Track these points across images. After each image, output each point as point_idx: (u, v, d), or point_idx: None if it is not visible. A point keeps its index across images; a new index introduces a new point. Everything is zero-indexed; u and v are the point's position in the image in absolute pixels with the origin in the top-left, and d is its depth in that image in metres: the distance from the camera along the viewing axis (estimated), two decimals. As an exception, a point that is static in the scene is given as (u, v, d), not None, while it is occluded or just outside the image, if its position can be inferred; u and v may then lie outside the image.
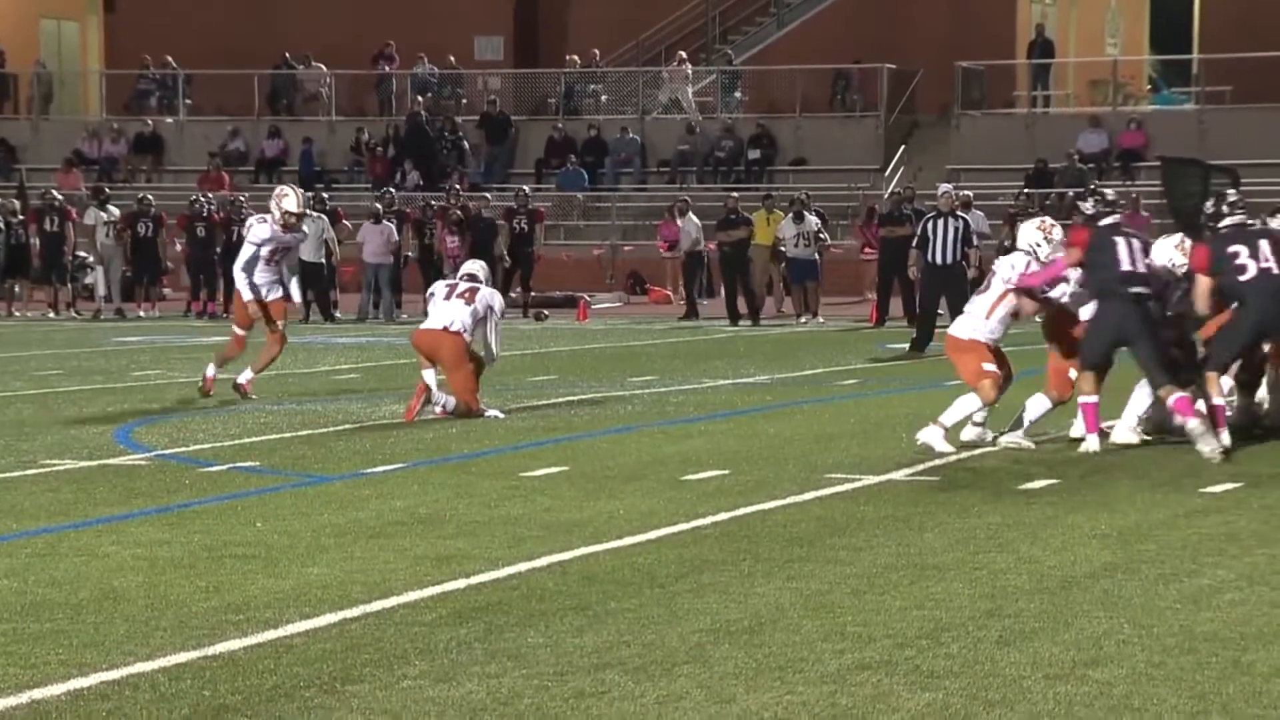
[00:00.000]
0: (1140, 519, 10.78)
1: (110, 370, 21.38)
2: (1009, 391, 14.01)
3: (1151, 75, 43.88)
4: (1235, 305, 13.77)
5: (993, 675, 7.25)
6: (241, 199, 35.38)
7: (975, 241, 26.89)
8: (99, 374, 20.81)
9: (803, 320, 31.51)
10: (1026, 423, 13.75)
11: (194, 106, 46.54)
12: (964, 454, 13.46)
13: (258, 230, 17.65)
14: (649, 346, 25.97)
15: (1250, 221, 14.23)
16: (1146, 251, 13.73)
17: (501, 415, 15.99)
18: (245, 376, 17.65)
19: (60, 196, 35.31)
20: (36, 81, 47.20)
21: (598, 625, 8.10)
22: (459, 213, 33.36)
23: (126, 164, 44.81)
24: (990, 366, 13.67)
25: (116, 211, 34.57)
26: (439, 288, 16.54)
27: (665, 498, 11.56)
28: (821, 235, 32.62)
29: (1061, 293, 13.92)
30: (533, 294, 33.77)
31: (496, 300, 16.30)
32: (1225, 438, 13.37)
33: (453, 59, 45.77)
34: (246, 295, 17.72)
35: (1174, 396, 13.26)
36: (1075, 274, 13.85)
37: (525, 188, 35.68)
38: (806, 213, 32.30)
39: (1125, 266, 13.50)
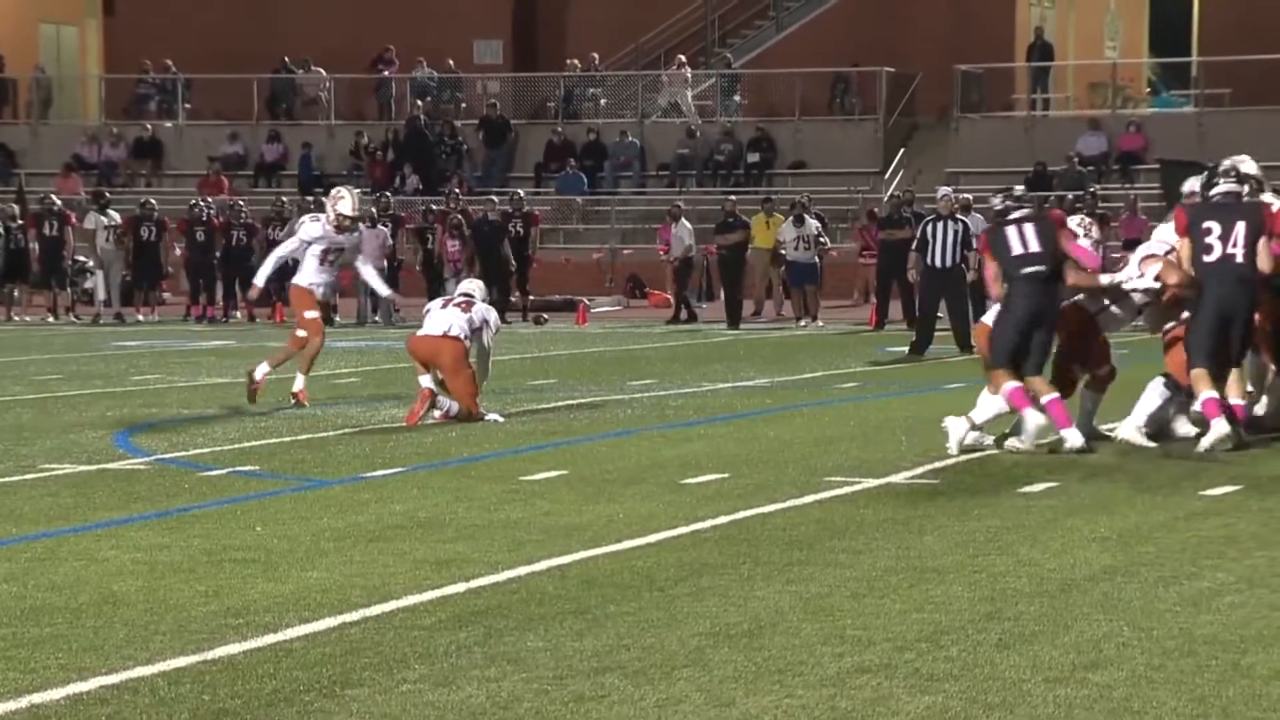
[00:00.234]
0: (1140, 522, 10.78)
1: (109, 375, 21.38)
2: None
3: (1151, 78, 43.89)
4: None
5: (992, 678, 7.25)
6: (240, 204, 35.41)
7: (974, 244, 26.91)
8: (98, 378, 20.81)
9: (802, 323, 31.53)
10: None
11: (193, 111, 46.56)
12: (964, 457, 13.45)
13: (309, 228, 17.51)
14: (648, 350, 25.98)
15: (1242, 194, 13.99)
16: (1045, 236, 13.77)
17: (501, 419, 16.00)
18: (299, 385, 17.45)
19: (59, 201, 35.32)
20: (35, 86, 47.22)
21: (597, 629, 8.09)
22: (459, 217, 33.38)
23: (126, 168, 44.82)
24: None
25: (117, 216, 34.58)
26: (436, 302, 16.62)
27: (665, 501, 11.56)
28: (821, 239, 32.63)
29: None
30: (531, 298, 33.78)
31: (492, 315, 16.35)
32: (1222, 426, 13.39)
33: (451, 63, 45.79)
34: (302, 284, 17.44)
35: (1049, 396, 13.39)
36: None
37: (520, 191, 35.69)
38: (806, 216, 32.32)
39: (1016, 251, 13.64)
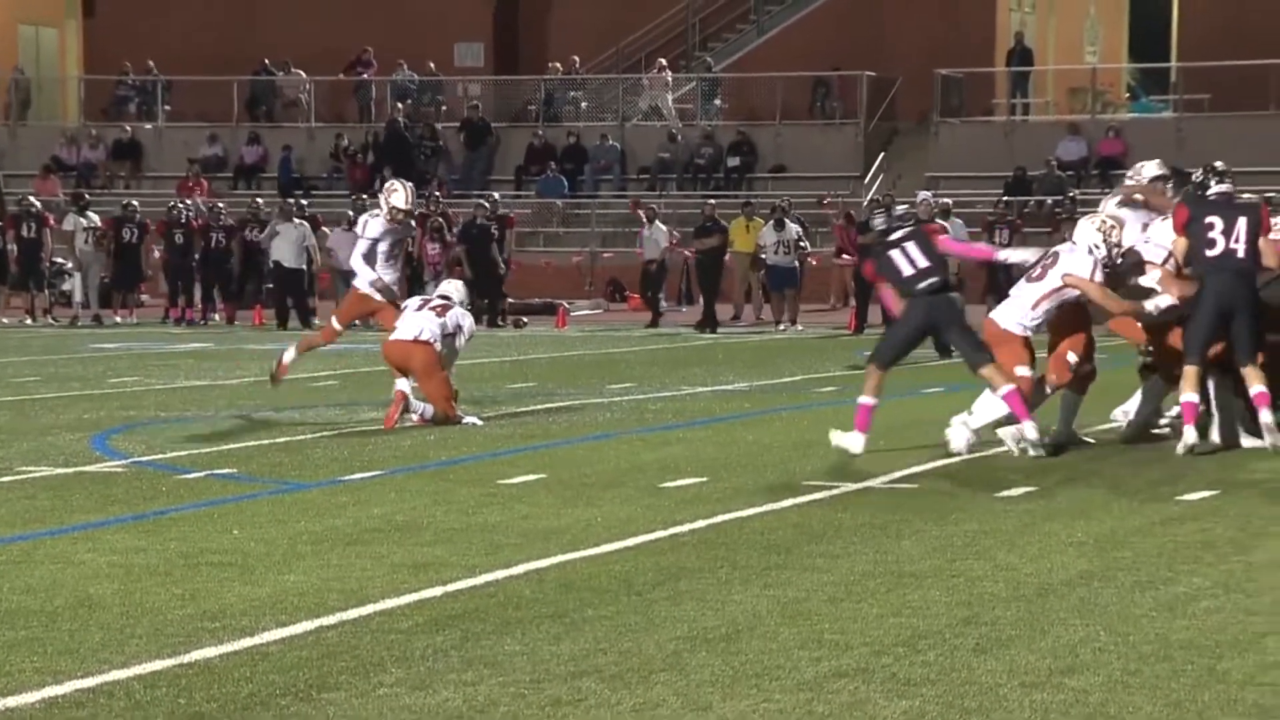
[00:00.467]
0: (1116, 526, 10.80)
1: (87, 377, 21.34)
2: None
3: (1130, 83, 43.99)
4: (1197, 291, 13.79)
5: (969, 683, 7.26)
6: (220, 206, 35.36)
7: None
8: (76, 381, 20.77)
9: (782, 327, 31.55)
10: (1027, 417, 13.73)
11: (173, 112, 46.49)
12: (943, 461, 13.47)
13: (372, 225, 17.39)
14: (628, 354, 25.98)
15: (1239, 194, 14.23)
16: (928, 249, 13.90)
17: (479, 422, 15.99)
18: (288, 356, 17.45)
19: (38, 203, 35.25)
20: (14, 87, 47.12)
21: (574, 633, 8.10)
22: (440, 220, 33.36)
23: (105, 170, 44.75)
24: (1024, 371, 13.67)
25: (96, 218, 34.53)
26: (413, 301, 16.60)
27: (643, 505, 11.57)
28: (802, 243, 32.65)
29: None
30: (510, 301, 33.75)
31: (467, 321, 16.34)
32: (1191, 435, 13.47)
33: (432, 65, 45.78)
34: (364, 288, 17.33)
35: (1005, 389, 13.45)
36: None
37: (495, 194, 35.60)
38: (787, 220, 32.35)
39: (907, 272, 13.77)
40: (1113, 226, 14.07)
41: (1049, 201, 38.13)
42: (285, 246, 32.53)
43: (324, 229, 33.94)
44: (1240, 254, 13.69)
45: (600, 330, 31.99)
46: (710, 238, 32.27)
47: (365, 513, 11.29)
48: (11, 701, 7.02)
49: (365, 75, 46.03)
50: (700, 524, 10.87)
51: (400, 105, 44.09)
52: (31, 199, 35.57)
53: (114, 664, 7.55)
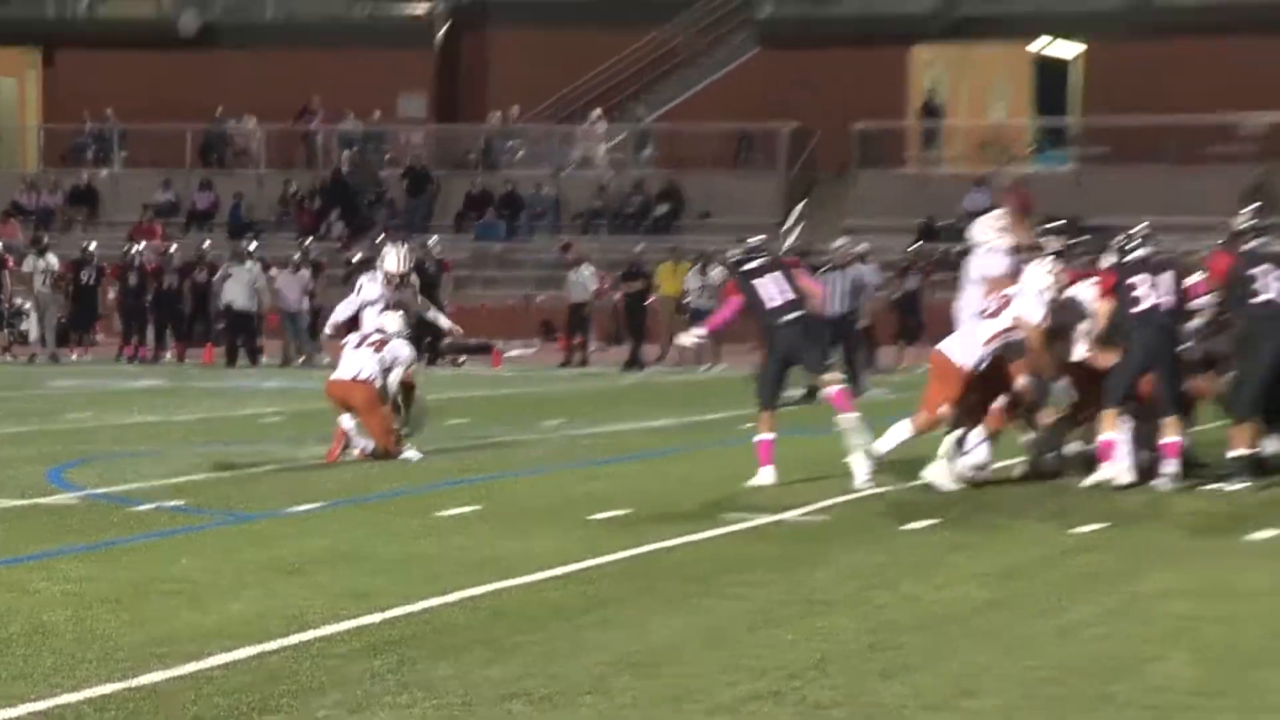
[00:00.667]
0: (1016, 558, 10.91)
1: (44, 412, 21.23)
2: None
3: (1034, 138, 44.36)
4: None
5: (875, 705, 7.33)
6: (173, 249, 35.26)
7: (871, 293, 27.14)
8: (34, 416, 20.66)
9: (705, 367, 31.64)
10: (980, 457, 13.84)
11: (129, 159, 46.32)
12: (854, 495, 13.56)
13: (369, 288, 17.24)
14: (559, 392, 26.02)
15: (1160, 252, 14.36)
16: (789, 282, 14.11)
17: (418, 457, 16.00)
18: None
19: (-1, 246, 35.07)
20: (-24, 135, 46.86)
21: (505, 658, 8.13)
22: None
23: (63, 214, 44.52)
24: (944, 410, 13.68)
25: (55, 261, 34.37)
26: (352, 338, 16.61)
27: (573, 536, 11.60)
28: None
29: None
30: (448, 341, 33.68)
31: (403, 352, 16.35)
32: (1106, 471, 13.61)
33: (378, 114, 45.80)
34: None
35: (834, 388, 13.84)
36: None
37: (431, 239, 35.40)
38: (711, 266, 32.47)
39: (771, 304, 13.97)
40: (1061, 269, 14.12)
41: (955, 249, 38.34)
42: (236, 288, 32.47)
43: (273, 271, 33.86)
44: (1164, 308, 13.85)
45: (533, 370, 32.02)
46: (635, 281, 32.39)
47: (308, 543, 11.29)
48: (-33, 724, 7.01)
49: (313, 124, 46.00)
50: (626, 554, 10.92)
51: (346, 153, 44.06)
52: (-8, 242, 35.37)
53: (65, 688, 7.54)
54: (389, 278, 17.12)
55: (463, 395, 24.84)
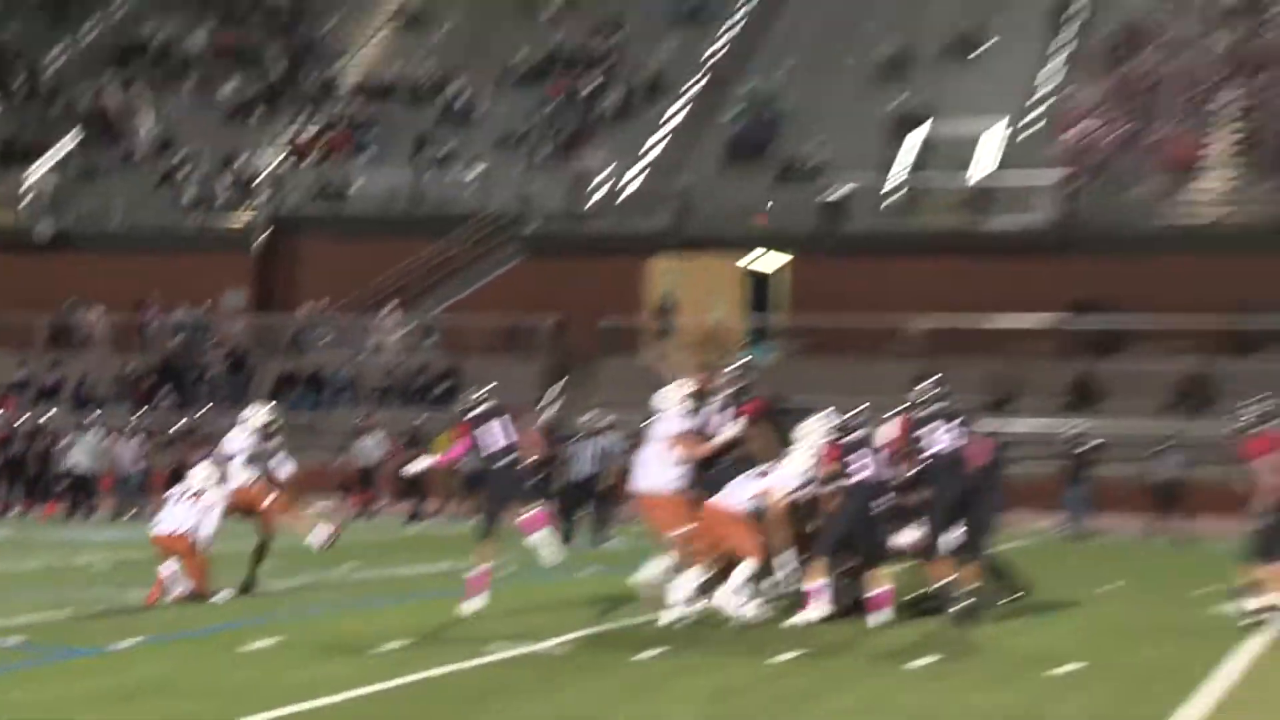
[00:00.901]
0: (730, 679, 10.96)
1: (-95, 560, 20.37)
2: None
3: (748, 332, 45.17)
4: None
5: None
6: (25, 419, 34.33)
7: (613, 459, 27.31)
8: (-105, 563, 19.82)
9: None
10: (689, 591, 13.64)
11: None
12: (596, 628, 13.54)
13: (232, 444, 16.78)
14: (356, 540, 25.65)
15: (866, 430, 14.37)
16: (506, 431, 14.23)
17: (229, 596, 15.66)
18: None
19: None
20: None
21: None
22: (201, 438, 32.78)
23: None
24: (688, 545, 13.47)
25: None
26: (174, 492, 16.31)
27: (360, 665, 11.41)
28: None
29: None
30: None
31: (217, 505, 16.06)
32: (811, 613, 13.59)
33: (206, 306, 45.29)
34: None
35: (530, 513, 14.13)
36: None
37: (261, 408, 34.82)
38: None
39: (490, 448, 14.10)
40: (826, 443, 14.03)
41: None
42: (80, 453, 31.69)
43: (111, 438, 33.09)
44: (870, 478, 13.93)
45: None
46: (417, 447, 32.22)
47: (132, 674, 10.95)
48: None
49: (149, 315, 45.32)
50: (404, 680, 10.78)
51: (177, 339, 43.42)
52: None
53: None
54: (264, 428, 16.85)
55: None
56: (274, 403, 18.00)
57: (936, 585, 14.15)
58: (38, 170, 49.23)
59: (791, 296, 44.62)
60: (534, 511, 14.34)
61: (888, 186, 43.51)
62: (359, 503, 34.73)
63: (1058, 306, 40.04)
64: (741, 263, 44.95)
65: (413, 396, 42.49)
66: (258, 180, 48.51)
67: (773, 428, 14.36)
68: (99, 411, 35.96)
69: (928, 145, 44.29)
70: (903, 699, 10.25)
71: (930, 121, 44.88)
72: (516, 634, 13.15)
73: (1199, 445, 30.94)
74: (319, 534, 15.88)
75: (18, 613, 14.49)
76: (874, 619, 13.71)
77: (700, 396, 14.25)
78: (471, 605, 13.89)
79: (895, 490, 14.32)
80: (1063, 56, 46.88)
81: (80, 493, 31.68)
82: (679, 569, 13.74)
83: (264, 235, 48.04)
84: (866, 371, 38.90)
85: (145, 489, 31.77)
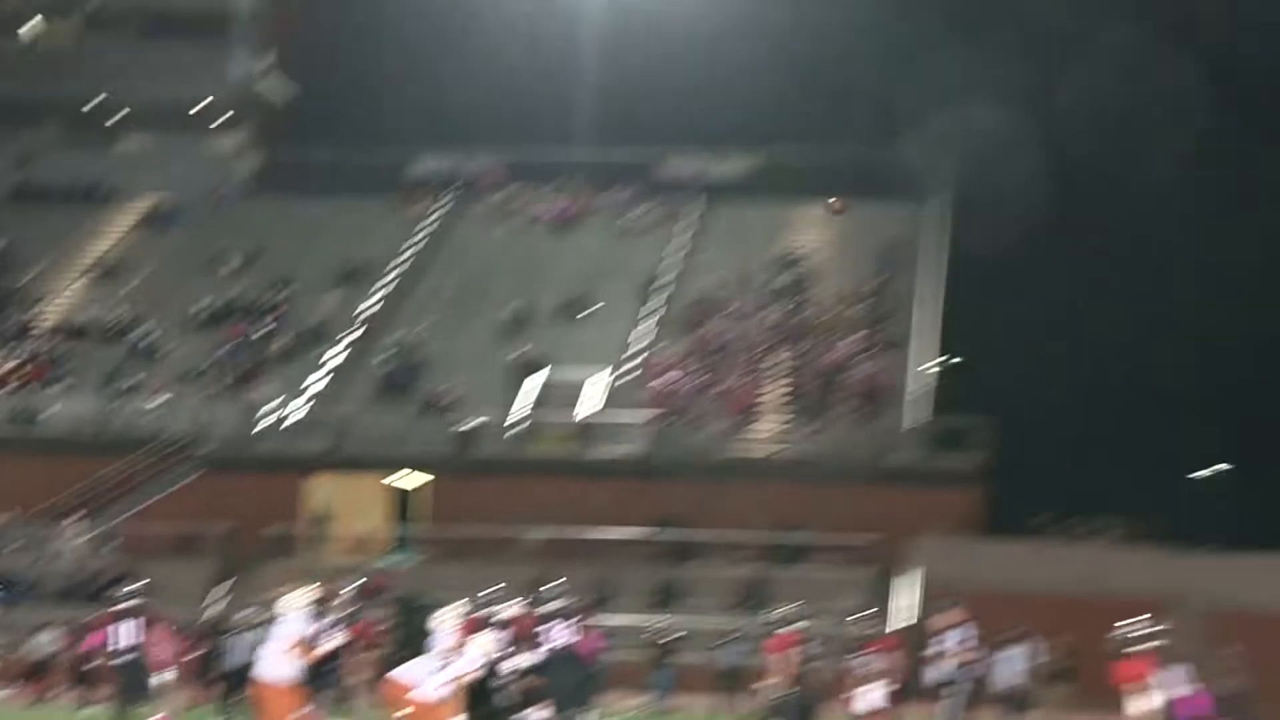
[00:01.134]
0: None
1: None
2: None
3: (394, 540, 44.42)
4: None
5: None
6: None
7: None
8: None
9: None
10: None
11: None
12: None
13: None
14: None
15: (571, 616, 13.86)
16: (137, 630, 13.71)
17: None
18: None
19: None
20: None
21: None
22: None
23: None
24: None
25: None
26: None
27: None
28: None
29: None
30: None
31: None
32: None
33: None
34: None
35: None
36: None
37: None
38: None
39: (116, 645, 13.58)
40: (496, 637, 13.37)
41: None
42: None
43: None
44: (568, 647, 13.44)
45: (12, 709, 29.03)
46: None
47: None
48: None
49: None
50: None
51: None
52: None
53: None
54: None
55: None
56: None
57: None
58: None
59: (431, 509, 44.40)
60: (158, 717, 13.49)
61: (511, 419, 44.35)
62: (38, 690, 32.32)
63: (646, 521, 41.21)
64: (388, 480, 44.65)
65: (94, 595, 40.06)
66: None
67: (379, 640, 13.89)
68: None
69: (544, 387, 45.40)
70: None
71: (547, 368, 46.03)
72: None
73: (757, 637, 31.81)
74: None
75: None
76: None
77: (322, 603, 13.84)
78: None
79: (522, 675, 14.08)
80: (653, 320, 48.95)
81: None
82: None
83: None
84: (494, 573, 38.63)
85: None
